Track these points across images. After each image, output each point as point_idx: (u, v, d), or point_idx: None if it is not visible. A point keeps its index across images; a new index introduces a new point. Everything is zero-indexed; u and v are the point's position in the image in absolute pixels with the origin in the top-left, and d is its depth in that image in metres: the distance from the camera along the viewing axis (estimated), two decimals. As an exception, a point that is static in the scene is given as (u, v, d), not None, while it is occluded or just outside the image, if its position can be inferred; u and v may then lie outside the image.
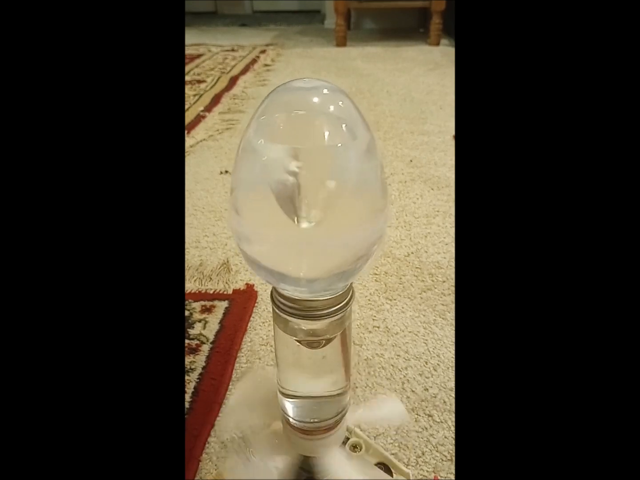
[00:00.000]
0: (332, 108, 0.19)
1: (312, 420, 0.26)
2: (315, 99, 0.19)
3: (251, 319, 0.50)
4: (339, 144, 0.19)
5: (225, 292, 0.53)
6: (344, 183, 0.19)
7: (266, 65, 1.60)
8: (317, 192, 0.19)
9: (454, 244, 0.60)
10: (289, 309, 0.23)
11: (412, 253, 0.59)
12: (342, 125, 0.19)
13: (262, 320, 0.49)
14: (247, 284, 0.55)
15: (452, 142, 0.92)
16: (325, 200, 0.19)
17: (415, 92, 1.26)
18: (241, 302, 0.52)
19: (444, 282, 0.54)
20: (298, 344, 0.24)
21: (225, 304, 0.51)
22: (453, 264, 0.57)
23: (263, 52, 1.82)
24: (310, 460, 0.28)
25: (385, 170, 0.81)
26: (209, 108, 1.15)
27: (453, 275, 0.55)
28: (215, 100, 1.21)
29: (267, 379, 0.31)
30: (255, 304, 0.51)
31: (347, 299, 0.23)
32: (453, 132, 0.97)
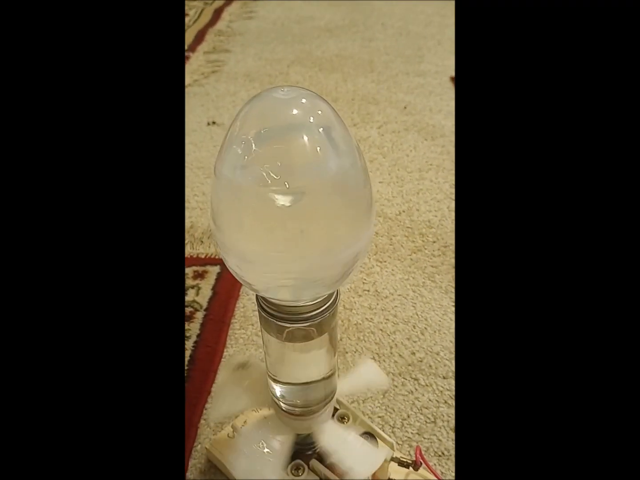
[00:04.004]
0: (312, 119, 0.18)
1: (302, 404, 0.28)
2: (295, 111, 0.18)
3: (243, 283, 0.50)
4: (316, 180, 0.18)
5: (216, 257, 0.54)
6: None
7: (253, -8, 1.48)
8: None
9: (445, 201, 0.60)
10: (273, 312, 0.23)
11: (404, 212, 0.59)
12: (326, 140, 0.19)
13: (254, 285, 0.50)
14: (238, 247, 0.55)
15: (450, 85, 0.88)
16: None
17: (413, 24, 1.18)
18: (233, 267, 0.52)
19: (434, 242, 0.54)
20: (283, 341, 0.24)
21: (217, 269, 0.52)
22: (444, 223, 0.57)
23: (249, -24, 1.67)
24: (303, 435, 0.30)
25: (378, 119, 0.78)
26: (192, 47, 1.08)
27: (443, 235, 0.55)
28: (199, 37, 1.13)
29: (247, 368, 0.32)
30: (247, 268, 0.52)
31: (331, 302, 0.23)
32: (451, 73, 0.93)
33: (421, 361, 0.42)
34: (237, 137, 0.19)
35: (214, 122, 0.79)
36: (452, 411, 0.38)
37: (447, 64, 0.96)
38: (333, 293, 0.24)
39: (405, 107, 0.81)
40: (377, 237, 0.55)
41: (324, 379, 0.27)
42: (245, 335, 0.45)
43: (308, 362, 0.26)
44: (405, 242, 0.54)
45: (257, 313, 0.47)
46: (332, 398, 0.29)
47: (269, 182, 0.18)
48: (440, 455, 0.35)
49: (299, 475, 0.29)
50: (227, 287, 0.50)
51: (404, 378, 0.40)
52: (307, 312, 0.23)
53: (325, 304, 0.23)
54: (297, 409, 0.28)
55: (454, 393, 0.39)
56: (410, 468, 0.31)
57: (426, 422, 0.37)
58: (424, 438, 0.36)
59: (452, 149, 0.70)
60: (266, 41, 1.11)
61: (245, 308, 0.48)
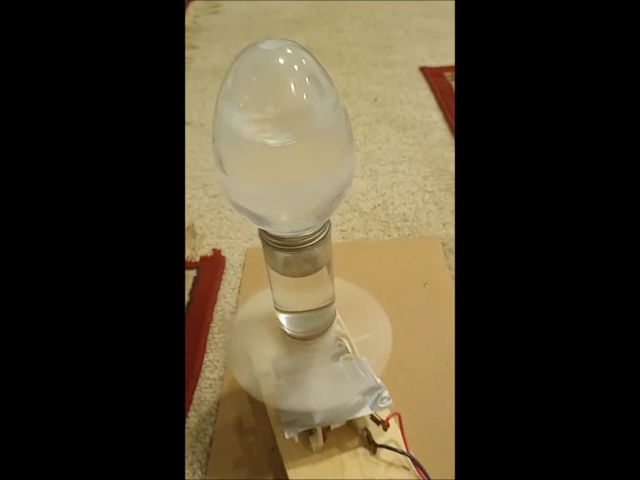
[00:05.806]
0: (297, 67, 0.21)
1: (303, 330, 0.32)
2: (282, 60, 0.21)
3: (220, 286, 0.50)
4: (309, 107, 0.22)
5: (193, 260, 0.53)
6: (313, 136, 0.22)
7: (217, -15, 1.45)
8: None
9: (419, 193, 0.60)
10: (274, 243, 0.26)
11: (379, 205, 0.59)
12: (311, 85, 0.22)
13: (231, 287, 0.49)
14: (214, 249, 0.54)
15: (418, 75, 0.89)
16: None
17: (380, 14, 1.18)
18: (209, 270, 0.51)
19: (409, 235, 0.54)
20: (284, 275, 0.28)
21: (193, 272, 0.51)
22: (419, 215, 0.57)
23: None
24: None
25: (349, 112, 0.78)
26: (157, 44, 1.05)
27: (419, 228, 0.55)
28: (163, 33, 1.11)
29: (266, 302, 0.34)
30: (224, 271, 0.51)
31: (324, 233, 0.27)
32: (419, 63, 0.93)
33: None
34: (231, 88, 0.21)
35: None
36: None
37: (416, 54, 0.96)
38: (324, 226, 0.27)
39: (375, 99, 0.81)
40: (353, 233, 0.55)
41: (322, 307, 0.31)
42: (225, 339, 0.44)
43: (307, 291, 0.30)
44: (382, 237, 0.54)
45: (234, 315, 0.46)
46: (331, 324, 0.32)
47: (262, 126, 0.21)
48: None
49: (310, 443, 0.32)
50: (204, 291, 0.49)
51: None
52: (303, 243, 0.26)
53: (318, 233, 0.27)
54: (299, 334, 0.32)
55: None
56: (380, 426, 0.32)
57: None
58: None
59: (423, 140, 0.70)
60: (232, 35, 1.09)
61: (223, 311, 0.47)
